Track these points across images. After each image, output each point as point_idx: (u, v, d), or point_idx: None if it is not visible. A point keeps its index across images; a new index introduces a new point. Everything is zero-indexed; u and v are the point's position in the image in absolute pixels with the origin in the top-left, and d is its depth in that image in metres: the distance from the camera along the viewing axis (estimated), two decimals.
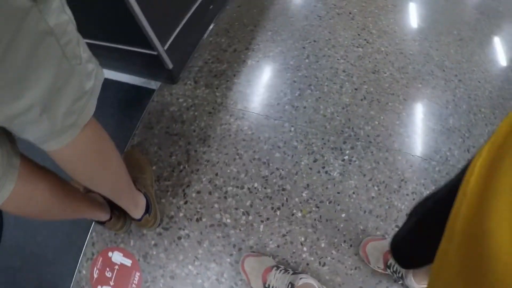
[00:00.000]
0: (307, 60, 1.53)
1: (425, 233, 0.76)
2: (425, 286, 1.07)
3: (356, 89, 1.49)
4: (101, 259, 1.32)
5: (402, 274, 1.10)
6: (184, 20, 1.43)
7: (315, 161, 1.34)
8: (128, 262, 1.30)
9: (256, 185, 1.30)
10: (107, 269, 1.31)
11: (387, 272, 1.18)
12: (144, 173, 1.33)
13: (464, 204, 0.33)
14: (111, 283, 1.29)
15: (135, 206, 1.17)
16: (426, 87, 1.56)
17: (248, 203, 1.28)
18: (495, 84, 1.64)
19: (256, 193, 1.29)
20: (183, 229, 1.28)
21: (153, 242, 1.29)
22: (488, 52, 1.78)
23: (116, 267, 1.30)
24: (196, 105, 1.44)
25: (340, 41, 1.62)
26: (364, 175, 1.33)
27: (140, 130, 1.44)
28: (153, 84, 1.52)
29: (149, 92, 1.52)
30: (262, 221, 1.26)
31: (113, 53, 1.44)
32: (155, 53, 1.35)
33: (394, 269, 1.14)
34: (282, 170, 1.32)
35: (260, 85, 1.49)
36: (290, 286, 1.07)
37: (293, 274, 1.11)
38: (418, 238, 0.81)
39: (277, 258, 1.22)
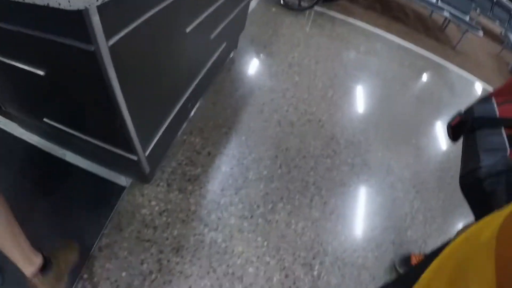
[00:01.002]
0: (279, 171, 1.78)
1: None
2: None
3: (325, 203, 1.76)
4: None
5: None
6: (166, 123, 1.60)
7: (286, 276, 1.54)
8: None
9: None
10: None
11: None
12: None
13: None
14: None
15: (26, 261, 1.24)
16: (387, 200, 1.89)
17: None
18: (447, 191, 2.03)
19: None
20: None
21: None
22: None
23: None
24: (169, 210, 1.59)
25: (311, 151, 1.91)
26: None
27: (109, 231, 1.54)
28: (124, 180, 1.64)
29: (119, 189, 1.64)
30: None
31: (88, 144, 1.53)
32: (134, 157, 1.49)
33: None
34: (255, 285, 1.50)
35: (234, 196, 1.69)
36: None
37: None
38: None
39: None
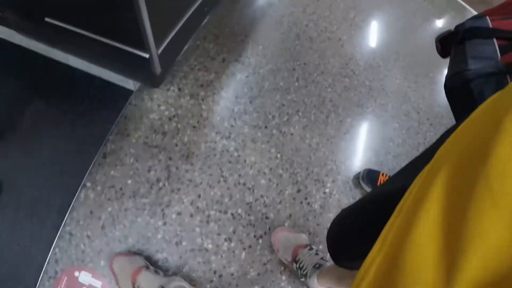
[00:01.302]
0: (296, 84, 1.67)
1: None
2: None
3: (340, 122, 1.68)
4: (65, 278, 1.34)
5: (306, 273, 1.28)
6: (181, 22, 1.46)
7: (298, 191, 1.49)
8: (97, 284, 1.34)
9: (240, 211, 1.41)
10: None
11: (293, 266, 1.37)
12: None
13: (399, 217, 0.38)
14: None
15: None
16: (402, 128, 1.81)
17: (231, 230, 1.39)
18: None
19: (239, 219, 1.40)
20: (161, 252, 1.34)
21: None
22: None
23: None
24: (180, 116, 1.49)
25: (329, 68, 1.80)
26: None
27: (115, 136, 1.45)
28: (131, 84, 1.52)
29: (126, 93, 1.53)
30: (244, 249, 1.38)
31: (91, 43, 1.40)
32: (146, 55, 1.37)
33: (301, 265, 1.31)
34: (267, 197, 1.45)
35: (248, 105, 1.59)
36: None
37: (164, 276, 1.23)
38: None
39: (257, 286, 1.34)
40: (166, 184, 1.42)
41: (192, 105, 1.53)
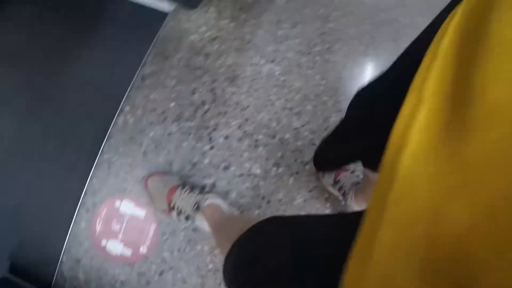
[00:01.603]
0: (335, 13, 1.59)
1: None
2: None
3: (377, 55, 1.62)
4: (105, 209, 1.26)
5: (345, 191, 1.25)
6: None
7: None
8: (141, 212, 1.26)
9: (287, 136, 1.36)
10: (114, 220, 1.25)
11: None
12: None
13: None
14: (120, 236, 1.24)
15: None
16: None
17: (279, 155, 1.34)
18: None
19: (287, 144, 1.35)
20: (208, 178, 1.28)
21: None
22: None
23: (126, 218, 1.27)
24: (222, 38, 1.41)
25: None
26: None
27: (153, 59, 1.35)
28: (166, 6, 1.41)
29: (161, 14, 1.42)
30: (291, 174, 1.34)
31: None
32: None
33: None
34: (313, 123, 1.39)
35: (290, 30, 1.51)
36: (196, 206, 1.12)
37: (199, 194, 1.17)
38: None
39: (304, 212, 1.31)
40: (212, 106, 1.34)
41: (234, 28, 1.44)
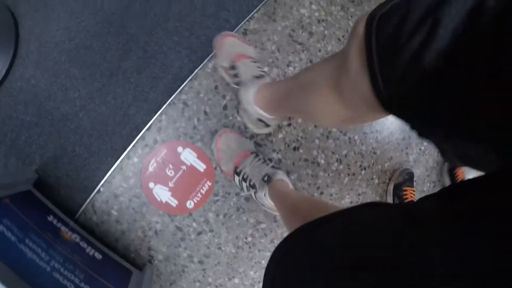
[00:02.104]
0: None
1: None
2: (260, 111, 1.08)
3: None
4: (165, 151, 1.21)
5: (241, 81, 1.13)
6: None
7: (403, 139, 1.48)
8: (201, 166, 1.24)
9: (356, 137, 1.37)
10: (170, 166, 1.21)
11: (225, 75, 1.23)
12: None
13: None
14: (170, 184, 1.21)
15: None
16: None
17: (344, 152, 1.35)
18: None
19: (354, 145, 1.37)
20: (277, 152, 1.28)
21: None
22: None
23: (184, 167, 1.22)
24: (328, 22, 1.38)
25: None
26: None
27: (260, 16, 1.31)
28: None
29: None
30: (348, 174, 1.36)
31: None
32: None
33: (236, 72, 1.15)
34: (380, 134, 1.41)
35: None
36: (267, 178, 1.08)
37: (272, 167, 1.14)
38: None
39: None
40: None
41: (341, 17, 1.41)
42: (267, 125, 1.15)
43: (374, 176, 1.43)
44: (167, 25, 1.27)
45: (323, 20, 1.38)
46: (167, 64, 1.25)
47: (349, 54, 0.52)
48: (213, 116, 1.24)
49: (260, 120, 1.11)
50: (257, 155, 1.16)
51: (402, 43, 0.41)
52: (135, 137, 1.20)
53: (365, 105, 0.52)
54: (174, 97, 1.23)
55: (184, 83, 1.24)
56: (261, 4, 1.32)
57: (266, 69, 1.22)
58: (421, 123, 0.46)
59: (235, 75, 1.14)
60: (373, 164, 1.42)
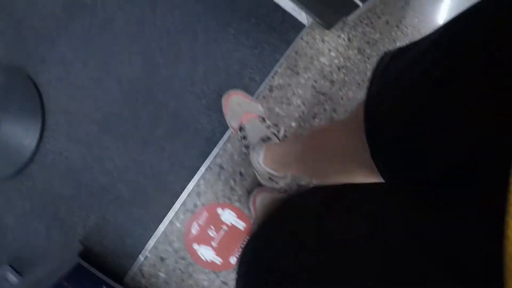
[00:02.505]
0: None
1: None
2: (270, 171, 1.06)
3: None
4: (206, 214, 1.26)
5: (249, 144, 1.14)
6: None
7: None
8: (241, 225, 1.29)
9: None
10: (212, 227, 1.26)
11: (237, 135, 1.24)
12: None
13: None
14: (213, 244, 1.26)
15: None
16: None
17: None
18: None
19: None
20: None
21: None
22: None
23: (225, 227, 1.28)
24: (348, 68, 1.41)
25: None
26: None
27: (283, 70, 1.33)
28: (304, 18, 1.38)
29: (298, 25, 1.39)
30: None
31: None
32: (358, 2, 1.23)
33: (245, 134, 1.17)
34: None
35: None
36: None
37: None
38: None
39: None
40: None
41: (359, 61, 1.44)
42: (278, 183, 1.16)
43: None
44: (194, 89, 1.28)
45: (342, 67, 1.40)
46: (199, 128, 1.26)
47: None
48: (248, 176, 1.27)
49: (271, 178, 1.12)
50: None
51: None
52: (176, 204, 1.23)
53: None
54: (210, 162, 1.25)
55: (218, 147, 1.26)
56: (283, 58, 1.33)
57: (271, 127, 1.20)
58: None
59: (244, 137, 1.16)
60: None
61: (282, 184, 1.16)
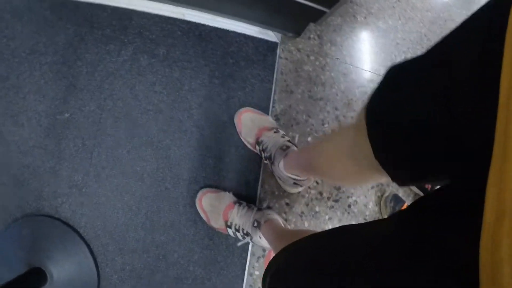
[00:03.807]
0: (399, 21, 1.67)
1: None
2: (293, 176, 1.12)
3: None
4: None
5: (270, 155, 1.16)
6: None
7: None
8: None
9: None
10: None
11: (255, 150, 1.27)
12: None
13: None
14: None
15: None
16: None
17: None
18: None
19: None
20: (351, 197, 1.39)
21: (327, 217, 1.35)
22: None
23: None
24: (329, 64, 1.43)
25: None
26: None
27: (279, 96, 1.34)
28: (273, 36, 1.37)
29: (272, 45, 1.37)
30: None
31: None
32: (325, 9, 1.22)
33: (264, 147, 1.18)
34: None
35: (371, 45, 1.58)
36: (256, 223, 1.10)
37: (258, 210, 1.15)
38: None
39: None
40: None
41: (335, 52, 1.45)
42: (302, 186, 1.21)
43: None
44: (212, 152, 1.27)
45: (325, 66, 1.42)
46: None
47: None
48: (292, 202, 1.32)
49: (295, 183, 1.17)
50: (240, 203, 1.18)
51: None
52: (246, 258, 1.27)
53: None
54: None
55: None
56: (273, 85, 1.33)
57: (286, 136, 1.21)
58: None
59: (263, 150, 1.18)
60: None
61: (306, 185, 1.23)
